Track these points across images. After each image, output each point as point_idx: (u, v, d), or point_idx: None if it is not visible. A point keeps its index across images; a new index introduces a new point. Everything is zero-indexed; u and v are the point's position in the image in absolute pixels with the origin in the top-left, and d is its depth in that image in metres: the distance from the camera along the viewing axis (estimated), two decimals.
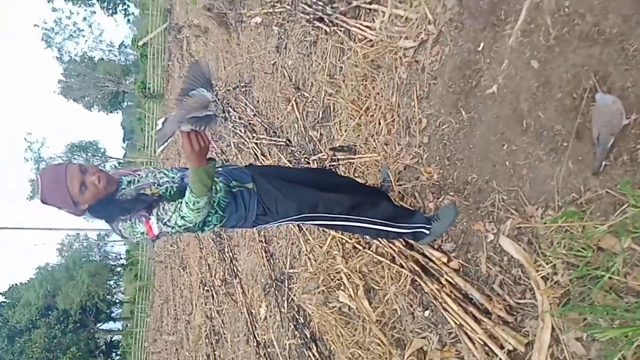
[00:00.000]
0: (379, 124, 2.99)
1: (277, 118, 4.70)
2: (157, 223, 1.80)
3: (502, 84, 2.18)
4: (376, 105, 3.04)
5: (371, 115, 3.08)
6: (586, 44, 1.82)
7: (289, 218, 2.12)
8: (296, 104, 4.20)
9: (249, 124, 5.39)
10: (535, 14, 2.01)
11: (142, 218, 1.79)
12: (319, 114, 3.78)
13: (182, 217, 1.80)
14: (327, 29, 3.61)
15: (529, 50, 2.04)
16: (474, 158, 2.33)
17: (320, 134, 3.79)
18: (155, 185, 1.91)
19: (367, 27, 3.11)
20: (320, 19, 3.72)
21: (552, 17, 1.94)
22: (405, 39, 2.79)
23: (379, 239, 2.78)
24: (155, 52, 15.12)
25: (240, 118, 5.69)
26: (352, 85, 3.27)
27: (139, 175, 1.96)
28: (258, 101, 5.29)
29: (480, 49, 2.30)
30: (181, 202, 1.78)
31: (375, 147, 3.03)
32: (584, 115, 1.82)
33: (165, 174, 1.99)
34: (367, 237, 2.95)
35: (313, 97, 3.90)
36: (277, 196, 2.08)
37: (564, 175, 1.91)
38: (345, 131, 3.33)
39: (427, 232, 2.38)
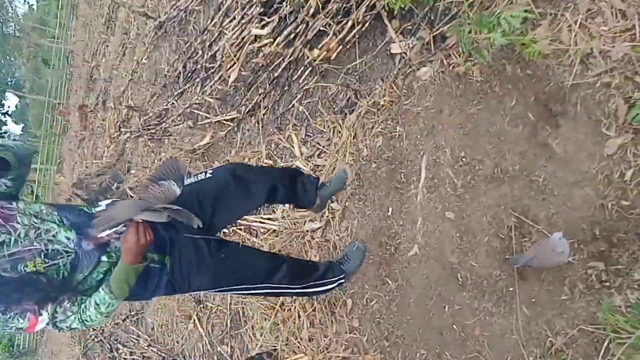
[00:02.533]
0: (299, 317, 2.60)
1: (177, 342, 4.02)
2: (46, 323, 1.30)
3: (422, 242, 2.04)
4: (291, 297, 2.70)
5: (288, 310, 2.70)
6: (494, 185, 1.80)
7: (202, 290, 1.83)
8: (198, 319, 3.66)
9: (143, 357, 4.56)
10: (436, 169, 2.01)
11: (26, 314, 1.27)
12: (226, 323, 3.27)
13: (83, 321, 1.36)
14: (225, 230, 3.40)
15: (439, 204, 1.98)
16: (416, 330, 2.01)
17: (231, 347, 3.22)
18: (41, 255, 1.33)
19: (268, 219, 2.96)
20: None
21: (452, 169, 1.94)
22: (310, 222, 2.65)
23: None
24: None
25: (131, 353, 4.83)
26: None
27: (13, 228, 1.31)
28: (153, 327, 4.58)
29: (389, 213, 2.20)
30: (87, 305, 1.35)
31: (299, 347, 2.58)
32: (520, 253, 1.69)
33: (53, 230, 1.37)
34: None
35: (218, 306, 3.44)
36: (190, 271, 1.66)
37: (522, 324, 1.66)
38: (261, 335, 2.85)
39: (344, 279, 2.25)
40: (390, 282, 2.16)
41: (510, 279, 1.70)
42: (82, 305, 1.35)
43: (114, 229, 1.29)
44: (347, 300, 2.36)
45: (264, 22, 3.08)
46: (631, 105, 1.45)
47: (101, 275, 1.44)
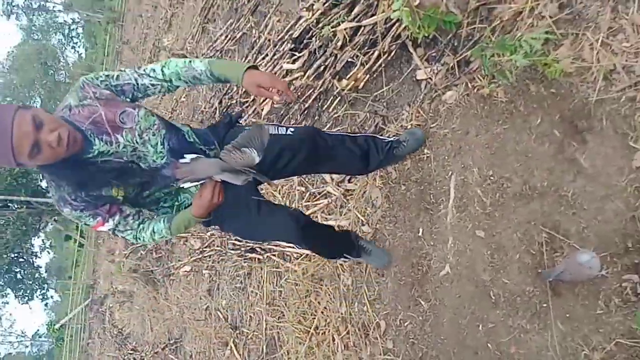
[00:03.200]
0: (333, 340, 2.61)
1: None
2: (109, 228, 1.48)
3: (454, 262, 2.05)
4: (326, 320, 2.71)
5: (322, 334, 2.71)
6: (523, 202, 1.81)
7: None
8: (235, 345, 3.70)
9: None
10: (464, 189, 2.03)
11: (97, 217, 1.45)
12: (262, 348, 3.29)
13: (136, 238, 1.54)
14: (260, 257, 3.47)
15: (469, 223, 1.99)
16: (451, 350, 1.99)
17: None
18: (127, 171, 1.47)
19: None
20: (252, 250, 3.61)
21: (480, 187, 1.97)
22: None
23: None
24: (74, 332, 13.78)
25: None
26: (295, 306, 2.97)
27: (116, 141, 1.42)
28: (191, 355, 4.63)
29: (420, 234, 2.22)
30: (145, 227, 1.52)
31: None
32: (551, 267, 1.68)
33: (148, 154, 1.48)
34: None
35: (254, 331, 3.47)
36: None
37: (558, 340, 1.63)
38: (297, 359, 2.86)
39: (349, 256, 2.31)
40: (423, 302, 2.16)
41: (544, 294, 1.69)
42: (141, 226, 1.52)
43: (195, 183, 1.40)
44: (381, 322, 2.36)
45: (294, 57, 3.23)
46: None
47: (162, 194, 1.58)
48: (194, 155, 1.44)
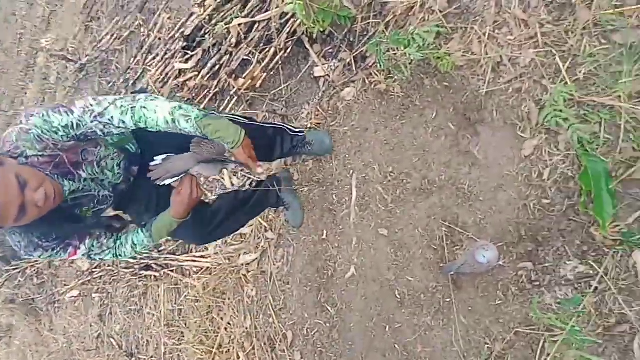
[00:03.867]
0: (238, 357, 2.42)
1: None
2: (83, 254, 1.38)
3: (359, 263, 1.97)
4: (230, 337, 2.51)
5: (227, 352, 2.50)
6: (423, 197, 1.79)
7: None
8: None
9: None
10: (366, 187, 1.98)
11: (68, 248, 1.34)
12: None
13: (117, 255, 1.46)
14: (157, 274, 3.16)
15: (372, 221, 1.94)
16: (359, 355, 1.91)
17: None
18: (94, 200, 1.37)
19: (201, 256, 2.78)
20: (147, 267, 3.28)
21: (381, 185, 1.92)
22: (245, 254, 2.51)
23: None
24: None
25: None
26: (196, 325, 2.72)
27: (79, 176, 1.29)
28: None
29: (325, 236, 2.13)
30: (123, 242, 1.45)
31: None
32: (452, 262, 1.66)
33: (108, 179, 1.40)
34: None
35: (152, 357, 3.14)
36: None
37: (461, 335, 1.61)
38: None
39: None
40: (329, 308, 2.06)
41: (447, 289, 1.66)
42: (119, 242, 1.44)
43: (175, 179, 1.33)
44: (288, 332, 2.23)
45: (187, 56, 3.01)
46: (541, 107, 1.49)
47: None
48: (163, 156, 1.35)
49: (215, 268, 2.66)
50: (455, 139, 1.71)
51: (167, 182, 1.33)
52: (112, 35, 3.98)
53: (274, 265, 2.35)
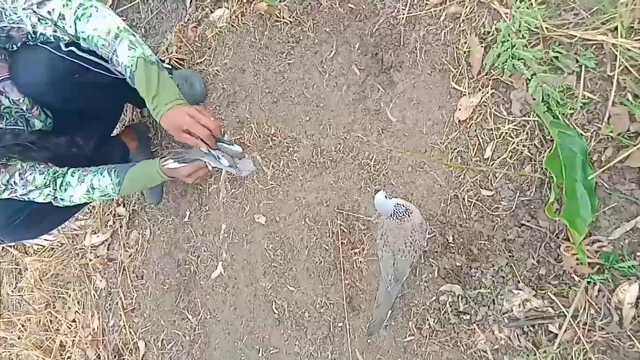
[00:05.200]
0: None
1: None
2: None
3: (229, 259, 1.39)
4: (73, 339, 1.88)
5: (68, 358, 1.87)
6: (314, 173, 1.20)
7: None
8: None
9: None
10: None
11: None
12: None
13: (60, 199, 1.17)
14: None
15: (247, 203, 1.34)
16: None
17: None
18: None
19: None
20: None
21: (260, 152, 1.31)
22: (93, 234, 1.84)
23: None
24: None
25: None
26: (35, 321, 2.05)
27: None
28: None
29: (187, 219, 1.51)
30: (72, 183, 1.16)
31: None
32: (348, 272, 1.12)
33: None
34: None
35: None
36: None
37: None
38: None
39: None
40: (190, 316, 1.48)
41: (339, 309, 1.13)
42: (60, 180, 1.15)
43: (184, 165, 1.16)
44: (139, 342, 1.63)
45: None
46: (488, 45, 0.93)
47: None
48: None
49: (58, 248, 1.97)
50: (361, 91, 1.12)
51: (177, 166, 1.16)
52: None
53: (126, 251, 1.71)
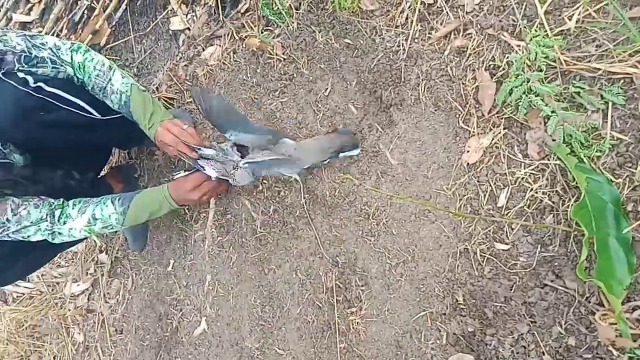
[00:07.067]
0: None
1: None
2: None
3: (213, 315, 1.23)
4: None
5: None
6: (306, 221, 1.07)
7: None
8: None
9: None
10: (228, 199, 1.23)
11: None
12: None
13: (52, 235, 1.04)
14: None
15: (234, 252, 1.20)
16: None
17: None
18: None
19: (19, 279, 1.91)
20: None
21: (249, 196, 1.18)
22: (73, 282, 1.69)
23: None
24: None
25: None
26: None
27: None
28: None
29: (171, 268, 1.36)
30: (69, 214, 1.04)
31: None
32: (344, 334, 0.96)
33: None
34: None
35: None
36: None
37: None
38: None
39: None
40: None
41: None
42: (58, 212, 1.04)
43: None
44: None
45: (30, 6, 2.11)
46: (500, 80, 0.82)
47: None
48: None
49: (36, 297, 1.82)
50: (359, 131, 1.00)
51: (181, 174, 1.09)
52: None
53: (106, 302, 1.55)
